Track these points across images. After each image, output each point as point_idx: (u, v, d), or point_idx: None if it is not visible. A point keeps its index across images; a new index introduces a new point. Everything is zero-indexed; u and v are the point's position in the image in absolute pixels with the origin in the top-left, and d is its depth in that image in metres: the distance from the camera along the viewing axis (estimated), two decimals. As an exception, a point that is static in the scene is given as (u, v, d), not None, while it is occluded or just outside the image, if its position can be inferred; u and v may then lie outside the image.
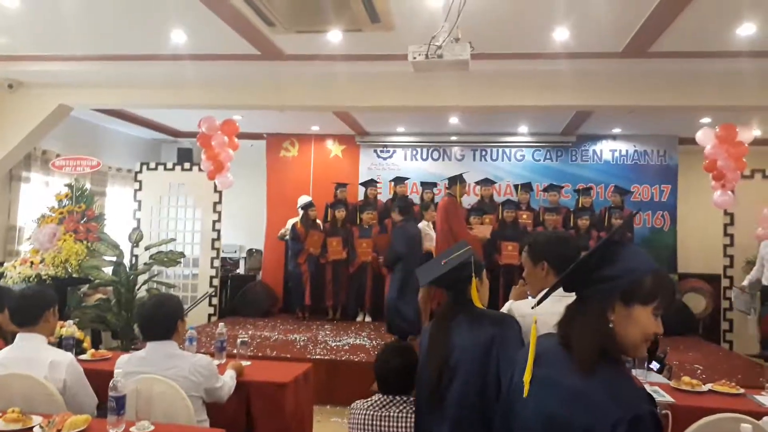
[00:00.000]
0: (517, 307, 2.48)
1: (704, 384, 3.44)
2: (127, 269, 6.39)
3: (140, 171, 8.39)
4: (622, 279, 1.42)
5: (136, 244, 7.23)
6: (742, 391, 3.39)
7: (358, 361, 5.80)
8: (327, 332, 7.22)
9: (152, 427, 2.48)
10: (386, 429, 2.52)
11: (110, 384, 2.46)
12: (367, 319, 8.19)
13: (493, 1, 4.27)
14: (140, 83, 6.27)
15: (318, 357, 5.84)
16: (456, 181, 7.50)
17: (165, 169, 8.44)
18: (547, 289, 1.76)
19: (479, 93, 5.83)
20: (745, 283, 6.80)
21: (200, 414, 2.89)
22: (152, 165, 8.46)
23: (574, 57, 5.23)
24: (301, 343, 6.51)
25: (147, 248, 7.09)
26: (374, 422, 2.57)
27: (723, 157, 6.32)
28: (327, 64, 5.61)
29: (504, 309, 2.62)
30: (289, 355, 5.88)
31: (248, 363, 3.68)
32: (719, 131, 6.45)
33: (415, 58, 3.80)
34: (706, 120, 7.23)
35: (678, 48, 4.99)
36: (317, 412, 5.25)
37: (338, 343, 6.50)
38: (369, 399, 2.70)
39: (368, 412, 2.65)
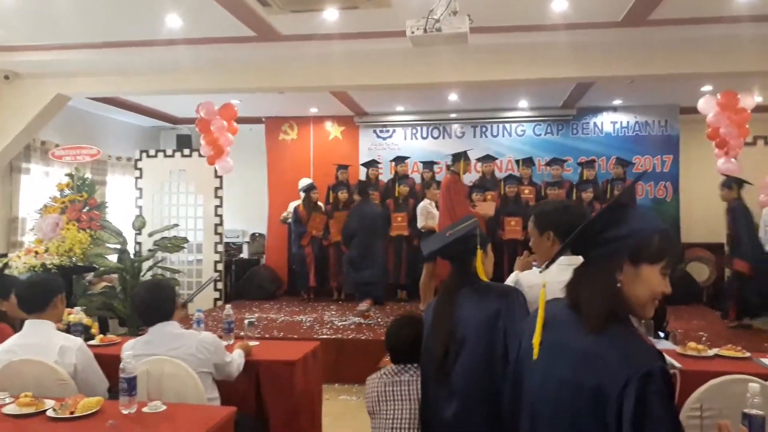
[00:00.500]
0: (525, 277, 2.48)
1: (710, 349, 3.46)
2: (131, 256, 6.40)
3: (140, 159, 8.38)
4: (629, 239, 1.42)
5: (139, 231, 7.25)
6: (748, 354, 3.40)
7: (364, 339, 5.85)
8: (333, 312, 7.27)
9: (164, 407, 2.50)
10: (398, 393, 2.56)
11: (120, 366, 2.48)
12: (370, 299, 8.21)
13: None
14: (137, 70, 6.22)
15: (325, 336, 5.88)
16: (460, 157, 7.44)
17: (165, 156, 8.43)
18: (554, 255, 1.76)
19: (478, 68, 5.77)
20: None
21: (211, 392, 2.92)
22: (152, 152, 8.44)
23: (574, 28, 5.16)
24: (308, 324, 6.55)
25: (150, 234, 7.10)
26: (387, 389, 2.61)
27: (725, 124, 6.29)
28: (324, 44, 5.55)
29: (509, 280, 2.62)
30: (296, 336, 5.93)
31: (256, 343, 3.70)
32: (721, 98, 6.41)
33: (413, 32, 3.77)
34: (707, 88, 7.17)
35: (677, 15, 4.92)
36: (326, 390, 5.28)
37: (344, 323, 6.55)
38: (381, 370, 2.74)
39: (381, 380, 2.68)
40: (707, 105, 6.53)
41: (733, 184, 6.43)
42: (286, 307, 7.79)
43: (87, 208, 6.51)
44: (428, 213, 7.64)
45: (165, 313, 2.93)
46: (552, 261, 1.72)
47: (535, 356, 1.50)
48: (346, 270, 7.72)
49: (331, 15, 4.95)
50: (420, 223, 7.62)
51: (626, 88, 7.56)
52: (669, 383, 1.31)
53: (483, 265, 2.34)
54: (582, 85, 7.26)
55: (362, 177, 8.80)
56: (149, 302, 2.94)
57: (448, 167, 8.06)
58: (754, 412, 1.99)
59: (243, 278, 8.71)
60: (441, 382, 2.28)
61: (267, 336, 5.88)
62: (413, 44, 3.84)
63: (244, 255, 9.74)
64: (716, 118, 6.42)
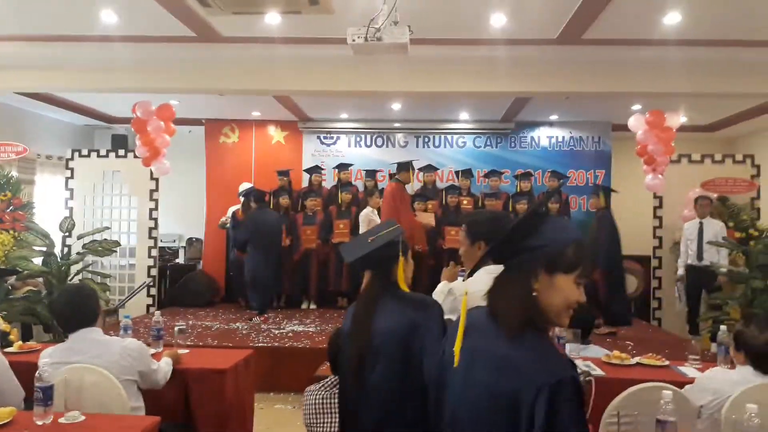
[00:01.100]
0: (457, 286, 2.49)
1: (633, 357, 3.62)
2: (59, 259, 6.11)
3: (72, 158, 8.03)
4: (545, 248, 1.45)
5: (68, 233, 6.93)
6: (667, 363, 3.57)
7: (301, 348, 5.78)
8: (271, 320, 7.16)
9: (82, 418, 2.40)
10: (336, 405, 2.52)
11: (36, 374, 2.36)
12: (312, 306, 8.16)
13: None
14: (69, 66, 5.97)
15: (261, 345, 5.78)
16: (407, 167, 7.53)
17: (98, 156, 8.11)
18: (476, 263, 1.78)
19: (419, 78, 5.85)
20: (681, 272, 6.99)
21: (135, 401, 2.82)
22: (84, 152, 8.11)
23: (512, 43, 5.32)
24: (244, 332, 6.43)
25: (79, 237, 6.81)
26: (325, 401, 2.59)
27: (653, 141, 6.60)
28: (266, 47, 5.51)
29: (439, 289, 2.63)
30: (230, 344, 5.80)
31: (186, 351, 3.61)
32: (649, 117, 6.72)
33: (354, 40, 3.79)
34: (637, 107, 7.52)
35: (609, 35, 5.15)
36: (260, 400, 5.22)
37: (281, 331, 6.46)
38: (321, 382, 2.71)
39: (320, 393, 2.66)
40: (637, 123, 6.85)
41: (600, 192, 6.68)
42: (223, 314, 7.62)
43: (11, 208, 6.18)
44: (370, 221, 7.67)
45: (86, 320, 2.81)
46: (474, 269, 1.74)
47: (455, 363, 1.52)
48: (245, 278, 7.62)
49: (273, 19, 4.91)
50: (362, 231, 7.63)
51: (562, 104, 7.83)
52: (580, 392, 1.35)
53: (404, 272, 2.30)
54: (520, 99, 7.47)
55: (305, 183, 8.76)
56: (70, 308, 2.81)
57: (391, 175, 8.14)
58: (666, 418, 2.10)
59: (178, 284, 8.46)
60: (358, 390, 2.23)
61: (201, 344, 5.73)
62: (354, 52, 3.86)
63: (180, 260, 9.48)
64: (645, 136, 6.73)
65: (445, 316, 2.42)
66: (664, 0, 4.46)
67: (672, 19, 4.74)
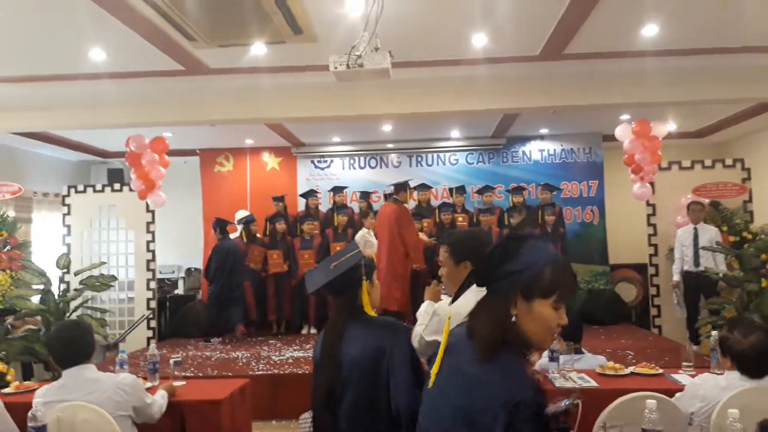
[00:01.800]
0: (441, 307, 2.50)
1: (627, 367, 3.62)
2: (56, 297, 6.14)
3: (68, 194, 8.10)
4: (521, 274, 1.45)
5: (65, 269, 6.96)
6: (661, 371, 3.58)
7: (301, 374, 5.77)
8: (270, 347, 7.15)
9: (76, 455, 2.42)
10: None
11: (29, 414, 2.38)
12: (312, 330, 8.15)
13: (411, 10, 4.37)
14: (60, 104, 6.06)
15: (260, 372, 5.77)
16: (404, 187, 7.65)
17: (94, 191, 8.17)
18: (461, 286, 1.75)
19: (404, 101, 5.94)
20: (676, 278, 7.03)
21: (130, 436, 2.83)
22: (80, 188, 8.17)
23: (495, 62, 5.41)
24: (244, 361, 6.42)
25: (76, 273, 6.84)
26: None
27: (639, 150, 6.66)
28: (253, 77, 5.60)
29: (421, 310, 2.64)
30: (230, 373, 5.78)
31: (182, 383, 3.62)
32: (635, 126, 6.79)
33: (336, 68, 3.85)
34: (625, 117, 7.59)
35: (590, 49, 5.23)
36: (262, 428, 5.21)
37: (281, 358, 6.45)
38: None
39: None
40: (623, 132, 6.92)
41: None
42: (222, 344, 7.61)
43: (7, 247, 6.23)
44: (366, 242, 7.64)
45: (82, 355, 2.83)
46: (461, 289, 1.72)
47: (430, 384, 1.55)
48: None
49: (258, 49, 5.00)
50: (358, 252, 7.66)
51: (551, 118, 7.91)
52: (537, 415, 1.35)
53: (370, 295, 2.31)
54: (509, 115, 7.55)
55: (301, 207, 8.82)
56: (64, 344, 2.83)
57: (386, 196, 8.21)
58: (651, 427, 2.11)
59: (177, 315, 8.46)
60: (328, 421, 2.23)
61: (200, 374, 5.73)
62: (337, 79, 3.93)
63: (180, 291, 9.48)
64: (632, 145, 6.80)
65: (430, 338, 2.44)
66: (641, 13, 4.54)
67: (650, 30, 4.82)
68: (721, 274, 6.05)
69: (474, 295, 2.44)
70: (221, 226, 7.89)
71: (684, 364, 3.58)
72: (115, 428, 2.68)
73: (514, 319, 1.45)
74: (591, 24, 4.68)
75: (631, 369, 3.60)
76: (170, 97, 6.02)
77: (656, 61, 5.38)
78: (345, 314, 2.34)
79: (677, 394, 2.78)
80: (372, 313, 2.37)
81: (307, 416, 2.66)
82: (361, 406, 2.19)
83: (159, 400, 3.07)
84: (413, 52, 5.01)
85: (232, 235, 8.39)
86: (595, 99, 5.93)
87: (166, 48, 4.93)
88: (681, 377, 3.38)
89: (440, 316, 2.44)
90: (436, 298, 2.65)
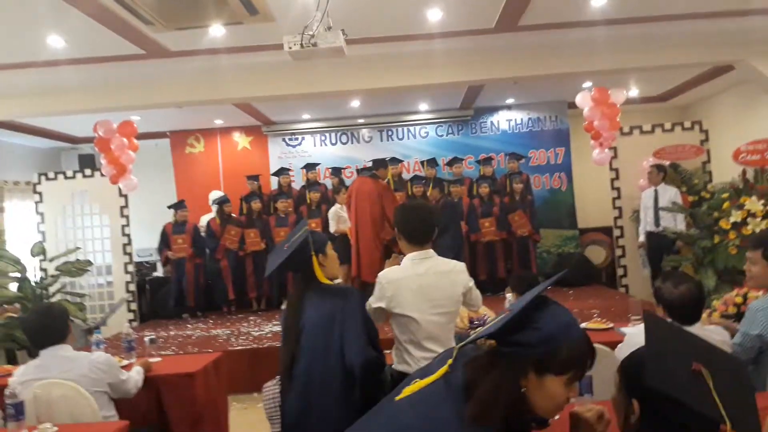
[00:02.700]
0: (384, 274, 2.64)
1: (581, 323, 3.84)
2: (32, 284, 6.21)
3: (39, 182, 8.09)
4: (536, 348, 1.36)
5: (40, 256, 7.02)
6: (611, 325, 3.81)
7: (279, 347, 5.93)
8: (250, 323, 7.32)
9: (55, 429, 2.55)
10: None
11: (6, 392, 2.52)
12: (291, 305, 8.29)
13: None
14: (20, 92, 6.05)
15: (240, 348, 5.94)
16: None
17: (65, 177, 8.17)
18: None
19: (366, 76, 6.03)
20: (642, 239, 7.26)
21: (107, 410, 2.97)
22: (51, 175, 8.17)
23: (452, 36, 5.51)
24: (224, 337, 6.58)
25: (51, 260, 6.90)
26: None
27: (598, 117, 6.84)
28: (215, 58, 5.65)
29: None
30: (211, 350, 5.94)
31: (158, 359, 3.76)
32: (594, 94, 6.96)
33: (291, 48, 3.94)
34: (587, 84, 7.76)
35: (543, 20, 5.36)
36: (243, 400, 5.40)
37: (261, 333, 6.62)
38: (277, 377, 2.87)
39: (276, 387, 2.82)
40: (584, 100, 7.08)
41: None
42: (203, 322, 7.76)
43: (-20, 237, 6.28)
44: (339, 217, 7.84)
45: (55, 337, 2.94)
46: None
47: (401, 396, 1.48)
48: None
49: (217, 31, 5.05)
50: (332, 228, 7.80)
51: (516, 88, 8.03)
52: None
53: (323, 267, 2.52)
54: (474, 87, 7.67)
55: (274, 186, 8.90)
56: (39, 326, 2.95)
57: (360, 170, 8.28)
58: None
59: (157, 297, 8.57)
60: (287, 388, 2.43)
61: (181, 352, 5.88)
62: (293, 59, 4.02)
63: (159, 273, 9.56)
64: (591, 112, 6.97)
65: (375, 305, 2.59)
66: (589, -18, 4.67)
67: (597, 1, 4.95)
68: (677, 233, 6.30)
69: (412, 262, 2.62)
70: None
71: (633, 317, 3.81)
72: (91, 403, 2.82)
73: (523, 390, 1.37)
74: (540, -4, 4.80)
75: (583, 325, 3.81)
76: (133, 81, 6.03)
77: (608, 29, 5.53)
78: (302, 286, 2.55)
79: (619, 345, 2.99)
80: (326, 281, 2.55)
81: (270, 384, 2.84)
82: (312, 368, 2.39)
83: (135, 376, 3.21)
84: (369, 28, 5.09)
85: (207, 216, 8.48)
86: (553, 68, 6.07)
87: (124, 33, 4.96)
88: (628, 329, 3.60)
89: (382, 283, 2.60)
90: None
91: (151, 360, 3.66)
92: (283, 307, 2.66)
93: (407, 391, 1.46)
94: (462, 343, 1.52)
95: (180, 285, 8.08)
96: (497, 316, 1.50)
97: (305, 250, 2.49)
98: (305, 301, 2.50)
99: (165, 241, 8.13)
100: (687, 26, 5.59)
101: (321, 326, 2.41)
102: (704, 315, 3.31)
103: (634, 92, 8.54)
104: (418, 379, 1.48)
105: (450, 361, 1.46)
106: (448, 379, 1.44)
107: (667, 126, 7.85)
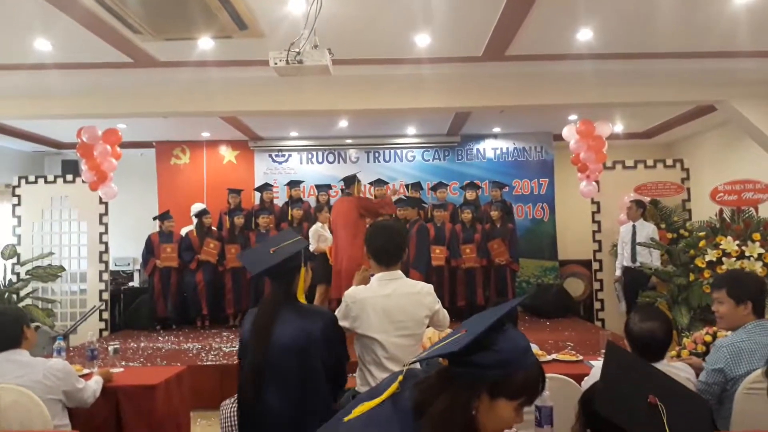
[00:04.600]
0: (350, 293, 2.61)
1: (550, 354, 3.83)
2: (2, 287, 6.10)
3: (18, 185, 8.00)
4: (493, 371, 1.37)
5: (12, 259, 6.90)
6: (580, 358, 3.80)
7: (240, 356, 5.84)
8: (223, 339, 7.21)
9: (2, 436, 2.48)
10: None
11: (-47, 396, 2.44)
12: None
13: (352, 9, 4.49)
14: (5, 94, 5.99)
15: (209, 363, 5.84)
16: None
17: (46, 182, 8.09)
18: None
19: (353, 97, 6.05)
20: (618, 273, 7.34)
21: (60, 419, 2.90)
22: (31, 178, 8.08)
23: (440, 62, 5.57)
24: (194, 352, 6.47)
25: (22, 264, 6.78)
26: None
27: (584, 150, 6.91)
28: (203, 70, 5.65)
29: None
30: (179, 363, 5.84)
31: (120, 370, 3.70)
32: (580, 127, 7.04)
33: (276, 63, 3.94)
34: (573, 117, 7.86)
35: (530, 51, 5.44)
36: (207, 416, 5.28)
37: (231, 348, 6.52)
38: (235, 396, 2.81)
39: (233, 406, 2.76)
40: (569, 133, 7.16)
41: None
42: (175, 336, 7.64)
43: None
44: (320, 236, 7.81)
45: (10, 341, 2.87)
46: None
47: (350, 417, 1.46)
48: None
49: (206, 44, 5.06)
50: (312, 246, 7.75)
51: (503, 117, 8.12)
52: None
53: (303, 282, 2.46)
54: (461, 114, 7.73)
55: (257, 201, 8.87)
56: None
57: (342, 191, 8.30)
58: (543, 403, 2.29)
59: (131, 307, 8.43)
60: (253, 411, 2.33)
61: (149, 364, 5.77)
62: (278, 74, 4.02)
63: (135, 283, 9.44)
64: (577, 145, 7.04)
65: (341, 323, 2.56)
66: (575, 18, 4.75)
67: (584, 35, 5.04)
68: (653, 269, 6.33)
69: (379, 283, 2.57)
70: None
71: (602, 350, 3.79)
72: (43, 410, 2.74)
73: (474, 412, 1.37)
74: (528, 27, 4.87)
75: (553, 356, 3.80)
76: (119, 88, 6.01)
77: (594, 63, 5.62)
78: (280, 298, 2.44)
79: (586, 378, 2.97)
80: (303, 300, 2.51)
81: (228, 402, 2.77)
82: (288, 401, 2.31)
83: (92, 385, 3.14)
84: (358, 50, 5.13)
85: (187, 228, 8.41)
86: (539, 99, 6.14)
87: (112, 40, 4.96)
88: (597, 362, 3.59)
89: (347, 303, 2.57)
90: (365, 283, 2.74)
91: (113, 370, 3.60)
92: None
93: (356, 411, 1.45)
94: (412, 360, 1.52)
95: (161, 295, 7.97)
96: (449, 335, 1.49)
97: (298, 258, 2.44)
98: (281, 315, 2.38)
99: (151, 251, 8.04)
100: (672, 65, 5.69)
101: (299, 349, 2.32)
102: (672, 352, 3.31)
103: (619, 127, 8.65)
104: (365, 401, 1.46)
105: (399, 380, 1.45)
106: (396, 399, 1.43)
107: (650, 162, 7.95)
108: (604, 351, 3.69)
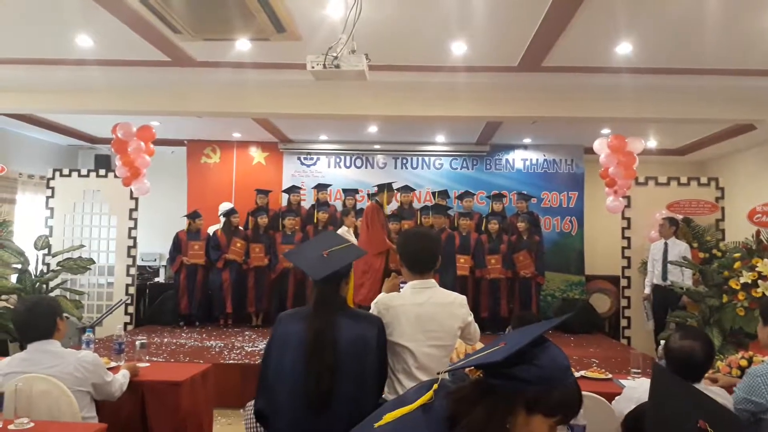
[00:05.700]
0: (382, 300, 2.59)
1: (579, 371, 3.76)
2: (32, 277, 6.21)
3: (53, 177, 8.17)
4: (533, 386, 1.35)
5: (44, 250, 7.02)
6: (609, 376, 3.72)
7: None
8: (245, 338, 7.25)
9: (31, 424, 2.51)
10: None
11: (-13, 383, 2.48)
12: (289, 324, 8.21)
13: (391, 15, 4.49)
14: (46, 88, 6.13)
15: (231, 362, 5.87)
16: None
17: (79, 175, 8.24)
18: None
19: (388, 103, 6.06)
20: (647, 291, 7.21)
21: (88, 411, 2.92)
22: (65, 171, 8.24)
23: (475, 71, 5.54)
24: (217, 350, 6.51)
25: (54, 255, 6.90)
26: None
27: (614, 165, 6.80)
28: (239, 72, 5.70)
29: (374, 301, 2.76)
30: (201, 361, 5.88)
31: (146, 364, 3.72)
32: (611, 141, 6.94)
33: (313, 67, 3.96)
34: (606, 131, 7.75)
35: (567, 63, 5.38)
36: (228, 415, 5.30)
37: (254, 348, 6.55)
38: None
39: None
40: (600, 146, 7.06)
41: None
42: (198, 333, 7.70)
43: (-13, 225, 6.31)
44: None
45: (43, 331, 2.91)
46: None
47: (381, 423, 1.44)
48: None
49: (243, 45, 5.11)
50: (336, 250, 7.76)
51: (534, 128, 8.04)
52: None
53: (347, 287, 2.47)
54: (492, 123, 7.68)
55: (284, 203, 8.92)
56: (27, 319, 2.91)
57: (370, 196, 8.34)
58: (576, 422, 2.24)
59: (156, 303, 8.53)
60: (319, 408, 2.25)
61: (172, 360, 5.82)
62: (315, 78, 4.04)
63: (161, 279, 9.55)
64: (607, 159, 6.94)
65: None
66: (615, 31, 4.69)
67: (624, 48, 4.97)
68: (685, 289, 6.20)
69: (412, 291, 2.56)
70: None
71: (633, 370, 3.72)
72: (71, 401, 2.77)
73: (508, 426, 1.36)
74: (566, 39, 4.82)
75: (582, 373, 3.73)
76: (156, 87, 6.11)
77: (632, 78, 5.54)
78: (336, 304, 2.42)
79: (617, 397, 2.91)
80: (351, 304, 2.51)
81: (253, 402, 2.76)
82: (351, 389, 2.28)
83: (120, 379, 3.16)
84: (394, 56, 5.13)
85: (215, 227, 8.49)
86: (573, 111, 6.08)
87: (152, 39, 5.03)
88: (627, 382, 3.51)
89: (379, 309, 2.55)
90: (393, 290, 2.72)
91: (140, 364, 3.62)
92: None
93: (387, 417, 1.43)
94: (446, 369, 1.53)
95: (186, 292, 8.04)
96: (486, 347, 1.47)
97: (350, 265, 2.46)
98: (336, 321, 2.34)
99: (178, 248, 8.13)
100: (712, 81, 5.58)
101: (357, 351, 2.30)
102: (708, 373, 3.22)
103: (652, 143, 8.52)
104: (394, 409, 1.45)
105: (434, 388, 1.44)
106: (427, 408, 1.41)
107: (683, 180, 7.80)
108: (635, 371, 3.64)
